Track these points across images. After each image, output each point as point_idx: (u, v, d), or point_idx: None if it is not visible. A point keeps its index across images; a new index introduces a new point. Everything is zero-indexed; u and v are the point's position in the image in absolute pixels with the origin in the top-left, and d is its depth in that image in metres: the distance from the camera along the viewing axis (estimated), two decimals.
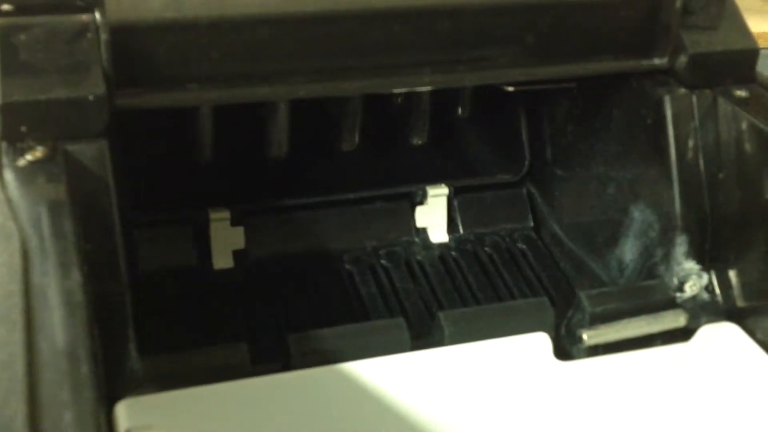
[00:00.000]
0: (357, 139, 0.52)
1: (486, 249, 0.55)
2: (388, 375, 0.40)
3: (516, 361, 0.42)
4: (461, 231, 0.55)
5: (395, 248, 0.54)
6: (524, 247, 0.55)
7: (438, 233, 0.55)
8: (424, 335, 0.43)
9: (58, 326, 0.26)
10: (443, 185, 0.55)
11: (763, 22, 1.36)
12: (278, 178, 0.53)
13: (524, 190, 0.57)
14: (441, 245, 0.54)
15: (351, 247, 0.53)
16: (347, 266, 0.52)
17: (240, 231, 0.51)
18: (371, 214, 0.54)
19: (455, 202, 0.55)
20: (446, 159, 0.57)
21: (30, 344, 0.25)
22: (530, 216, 0.57)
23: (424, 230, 0.55)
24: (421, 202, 0.55)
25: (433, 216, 0.55)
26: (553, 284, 0.53)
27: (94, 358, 0.26)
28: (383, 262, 0.53)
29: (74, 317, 0.27)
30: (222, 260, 0.51)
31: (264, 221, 0.52)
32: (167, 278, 0.49)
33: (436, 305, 0.50)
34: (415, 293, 0.51)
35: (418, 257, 0.54)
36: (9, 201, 0.31)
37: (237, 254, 0.51)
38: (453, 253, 0.54)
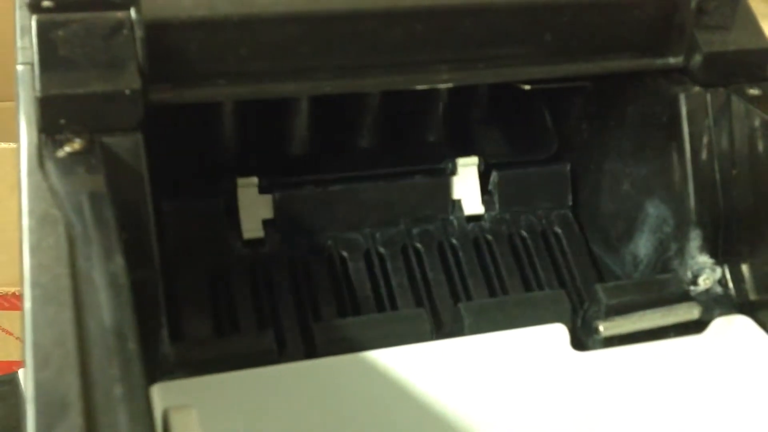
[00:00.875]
0: (374, 137, 0.53)
1: (522, 233, 0.53)
2: (410, 363, 0.41)
3: (534, 351, 0.43)
4: (497, 209, 0.54)
5: (429, 227, 0.52)
6: (560, 231, 0.54)
7: (472, 204, 0.53)
8: (445, 325, 0.44)
9: (105, 306, 0.27)
10: (473, 156, 0.53)
11: None
12: (309, 152, 0.52)
13: (567, 167, 0.55)
14: (475, 227, 0.53)
15: (384, 223, 0.52)
16: (379, 248, 0.51)
17: (268, 199, 0.50)
18: (406, 189, 0.52)
19: (494, 178, 0.54)
20: (478, 143, 0.56)
21: (79, 323, 0.26)
22: (569, 195, 0.55)
23: (458, 203, 0.53)
24: (453, 173, 0.53)
25: (465, 187, 0.53)
26: (582, 276, 0.52)
27: (139, 337, 0.27)
28: (417, 245, 0.51)
29: (119, 298, 0.28)
30: (251, 230, 0.50)
31: (294, 192, 0.50)
32: (196, 251, 0.48)
33: (464, 296, 0.50)
34: (444, 284, 0.50)
35: (453, 240, 0.52)
36: (52, 189, 0.32)
37: (266, 224, 0.50)
38: (487, 236, 0.53)
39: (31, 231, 0.30)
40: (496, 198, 0.53)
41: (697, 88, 0.46)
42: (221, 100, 0.42)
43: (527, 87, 0.51)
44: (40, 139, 0.36)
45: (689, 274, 0.46)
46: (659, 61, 0.46)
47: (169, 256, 0.46)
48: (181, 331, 0.44)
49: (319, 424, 0.40)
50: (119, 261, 0.29)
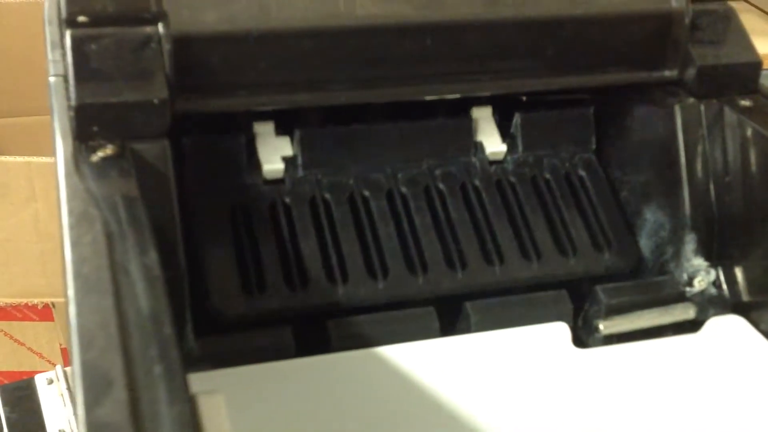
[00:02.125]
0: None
1: (545, 175, 0.52)
2: (419, 358, 0.43)
3: (537, 348, 0.45)
4: (520, 151, 0.52)
5: (451, 169, 0.51)
6: (584, 174, 0.52)
7: (494, 144, 0.52)
8: (468, 264, 0.46)
9: (142, 295, 0.30)
10: (487, 106, 0.52)
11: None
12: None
13: (590, 110, 0.53)
14: (498, 169, 0.51)
15: (406, 164, 0.50)
16: (401, 188, 0.49)
17: (287, 139, 0.49)
18: (427, 129, 0.51)
19: (517, 120, 0.52)
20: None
21: (119, 310, 0.29)
22: (593, 138, 0.53)
23: (480, 144, 0.52)
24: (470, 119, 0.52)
25: (484, 131, 0.52)
26: (608, 217, 0.51)
27: (174, 323, 0.29)
28: (439, 185, 0.50)
29: (155, 288, 0.30)
30: (271, 166, 0.48)
31: (314, 131, 0.49)
32: (216, 189, 0.47)
33: (489, 235, 0.49)
34: (469, 224, 0.49)
35: (475, 182, 0.51)
36: (88, 191, 0.35)
37: (287, 162, 0.48)
38: (511, 178, 0.51)
39: (71, 228, 0.33)
40: (519, 141, 0.52)
41: (691, 100, 0.48)
42: (241, 109, 0.44)
43: (524, 98, 0.53)
44: (74, 145, 0.38)
45: (685, 276, 0.48)
46: (655, 74, 0.48)
47: (189, 194, 0.46)
48: (206, 283, 0.44)
49: (332, 414, 0.42)
50: (153, 255, 0.32)
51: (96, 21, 0.40)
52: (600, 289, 0.47)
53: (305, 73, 0.44)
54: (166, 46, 0.40)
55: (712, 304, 0.48)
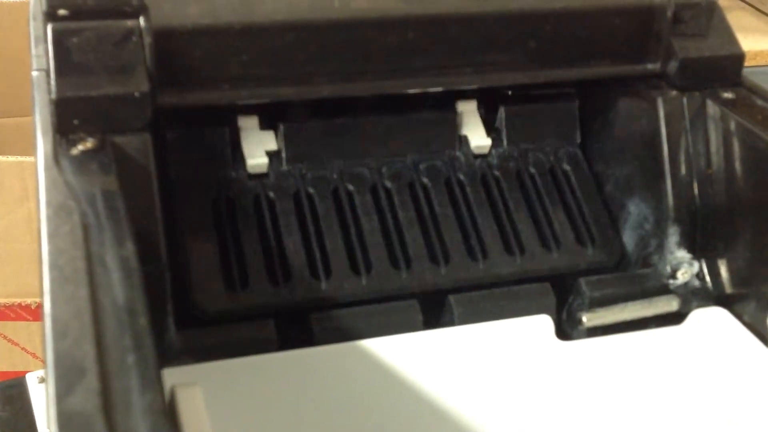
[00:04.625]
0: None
1: (530, 169, 0.52)
2: (402, 352, 0.43)
3: (521, 340, 0.45)
4: (505, 145, 0.52)
5: (436, 163, 0.51)
6: (568, 168, 0.53)
7: (478, 138, 0.52)
8: (453, 259, 0.46)
9: (117, 286, 0.30)
10: (472, 100, 0.52)
11: (762, 41, 1.40)
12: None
13: (575, 103, 0.53)
14: (483, 163, 0.51)
15: (390, 157, 0.50)
16: (385, 182, 0.50)
17: (271, 133, 0.49)
18: (412, 122, 0.51)
19: (501, 114, 0.52)
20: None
21: (94, 300, 0.29)
22: (578, 132, 0.53)
23: (465, 138, 0.52)
24: (455, 112, 0.52)
25: (469, 125, 0.52)
26: (592, 215, 0.51)
27: (149, 314, 0.29)
28: (424, 180, 0.50)
29: (131, 279, 0.30)
30: (255, 159, 0.48)
31: (299, 125, 0.49)
32: (200, 181, 0.47)
33: (473, 230, 0.49)
34: (453, 219, 0.49)
35: (459, 176, 0.51)
36: (67, 183, 0.35)
37: (271, 156, 0.48)
38: (495, 172, 0.51)
39: (49, 219, 0.33)
40: (503, 135, 0.52)
41: (674, 93, 0.48)
42: (224, 103, 0.44)
43: (510, 92, 0.54)
44: (55, 139, 0.38)
45: (668, 269, 0.48)
46: (638, 68, 0.48)
47: (172, 188, 0.46)
48: (188, 277, 0.44)
49: (314, 408, 0.42)
50: (130, 247, 0.32)
51: (77, 14, 0.39)
52: (584, 281, 0.47)
53: (288, 66, 0.44)
54: (147, 40, 0.40)
55: (695, 296, 0.48)
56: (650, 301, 0.47)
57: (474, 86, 0.48)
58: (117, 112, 0.39)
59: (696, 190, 0.48)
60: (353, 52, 0.44)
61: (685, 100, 0.48)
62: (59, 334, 0.27)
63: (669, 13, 0.47)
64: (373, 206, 0.48)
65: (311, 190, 0.48)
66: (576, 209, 0.51)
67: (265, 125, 0.49)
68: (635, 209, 0.50)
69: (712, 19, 0.49)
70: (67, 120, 0.39)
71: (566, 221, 0.51)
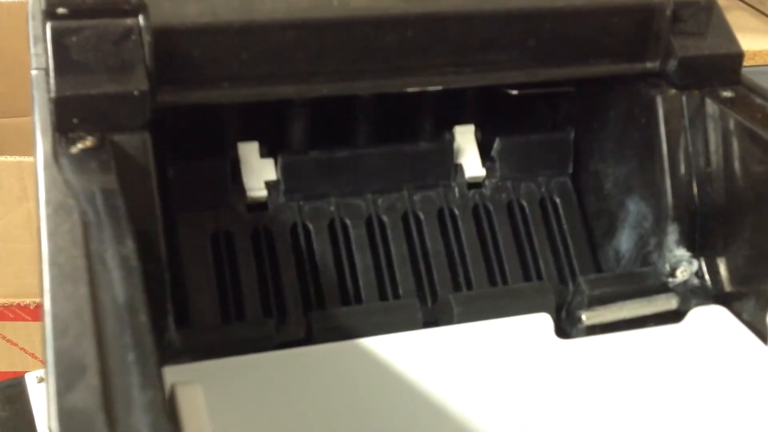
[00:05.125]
0: (369, 137, 0.52)
1: (521, 201, 0.53)
2: (402, 350, 0.43)
3: (520, 339, 0.45)
4: (498, 175, 0.54)
5: (430, 194, 0.52)
6: (558, 200, 0.54)
7: (473, 167, 0.53)
8: (440, 299, 0.47)
9: (117, 284, 0.30)
10: (469, 124, 0.54)
11: (761, 40, 1.40)
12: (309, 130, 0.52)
13: (570, 135, 0.55)
14: (476, 194, 0.53)
15: (386, 189, 0.52)
16: (381, 215, 0.51)
17: (270, 162, 0.50)
18: (408, 155, 0.52)
19: (497, 145, 0.54)
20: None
21: (94, 298, 0.29)
22: (570, 163, 0.55)
23: (460, 167, 0.53)
24: (451, 140, 0.53)
25: (465, 151, 0.54)
26: (577, 252, 0.53)
27: (149, 312, 0.29)
28: (417, 212, 0.52)
29: (131, 277, 0.30)
30: (255, 190, 0.50)
31: (297, 157, 0.50)
32: (200, 214, 0.49)
33: (461, 266, 0.51)
34: (443, 255, 0.51)
35: (453, 208, 0.52)
36: (66, 182, 0.35)
37: (270, 186, 0.50)
38: (487, 204, 0.53)
39: (48, 218, 0.33)
40: (497, 165, 0.54)
41: (673, 91, 0.48)
42: (224, 102, 0.44)
43: (514, 92, 0.54)
44: (54, 137, 0.38)
45: (667, 267, 0.48)
46: (637, 66, 0.48)
47: (172, 219, 0.47)
48: (186, 307, 0.45)
49: (313, 406, 0.42)
50: (130, 245, 0.32)
51: (76, 13, 0.39)
52: (583, 280, 0.47)
53: (287, 65, 0.44)
54: (147, 38, 0.40)
55: (694, 295, 0.48)
56: (649, 299, 0.47)
57: (473, 85, 0.49)
58: (116, 110, 0.39)
59: (695, 189, 0.48)
60: (353, 50, 0.44)
61: (684, 98, 0.48)
62: (59, 331, 0.27)
63: (668, 12, 0.47)
64: (367, 241, 0.50)
65: (308, 224, 0.50)
66: (561, 245, 0.53)
67: (265, 152, 0.50)
68: (634, 208, 0.50)
69: (711, 18, 0.49)
70: (67, 118, 0.39)
71: (551, 257, 0.53)
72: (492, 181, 0.54)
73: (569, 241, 0.53)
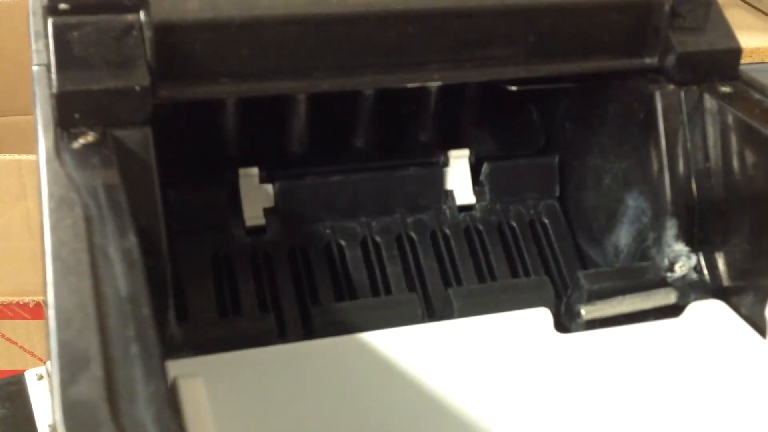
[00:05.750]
0: (369, 137, 0.54)
1: (511, 223, 0.55)
2: (402, 345, 0.43)
3: (520, 333, 0.45)
4: (488, 198, 0.56)
5: (423, 217, 0.54)
6: (547, 221, 0.56)
7: (464, 194, 0.55)
8: (436, 310, 0.47)
9: (120, 278, 0.30)
10: (464, 149, 0.56)
11: (758, 38, 1.40)
12: (307, 150, 0.54)
13: (555, 159, 0.57)
14: (467, 216, 0.55)
15: (380, 212, 0.54)
16: (375, 236, 0.53)
17: (269, 188, 0.52)
18: (401, 180, 0.54)
19: (486, 170, 0.56)
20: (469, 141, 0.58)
21: (97, 291, 0.29)
22: (557, 186, 0.57)
23: (451, 193, 0.55)
24: (445, 165, 0.55)
25: (457, 177, 0.56)
26: (567, 265, 0.55)
27: (152, 305, 0.29)
28: (411, 233, 0.53)
29: (133, 270, 0.30)
30: (253, 218, 0.51)
31: (293, 181, 0.52)
32: (201, 237, 0.50)
33: (455, 283, 0.52)
34: (436, 272, 0.52)
35: (445, 229, 0.54)
36: (69, 176, 0.35)
37: (268, 213, 0.52)
38: (478, 225, 0.55)
39: (51, 212, 0.33)
40: (486, 189, 0.55)
41: (671, 87, 0.49)
42: (225, 97, 0.44)
43: (514, 88, 0.54)
44: (56, 132, 0.38)
45: (666, 262, 0.48)
46: (636, 62, 0.49)
47: (174, 243, 0.48)
48: (187, 317, 0.46)
49: (315, 400, 0.42)
50: (132, 239, 0.32)
51: (77, 9, 0.40)
52: (582, 274, 0.47)
53: (288, 60, 0.44)
54: (148, 34, 0.40)
55: (692, 289, 0.48)
56: (648, 293, 0.47)
57: (473, 80, 0.49)
58: (118, 105, 0.39)
59: (694, 184, 0.48)
60: (353, 46, 0.44)
61: (682, 94, 0.48)
62: (63, 324, 0.27)
63: (667, 8, 0.47)
64: (362, 260, 0.52)
65: (305, 246, 0.51)
66: (553, 263, 0.55)
67: (264, 177, 0.52)
68: (633, 203, 0.50)
69: (710, 14, 0.49)
70: (68, 114, 0.39)
71: (543, 273, 0.54)
72: (482, 204, 0.55)
73: (560, 258, 0.55)
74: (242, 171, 0.51)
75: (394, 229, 0.53)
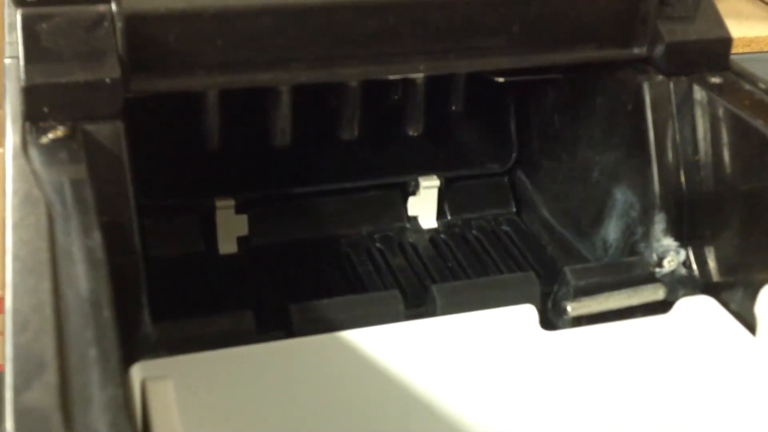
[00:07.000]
0: (356, 129, 0.53)
1: (473, 232, 0.57)
2: (384, 343, 0.42)
3: (505, 330, 0.44)
4: (449, 217, 0.58)
5: (388, 233, 0.57)
6: (509, 229, 0.58)
7: (428, 220, 0.58)
8: (418, 306, 0.46)
9: (82, 278, 0.29)
10: (435, 177, 0.58)
11: (757, 27, 1.39)
12: (280, 168, 0.56)
13: (507, 179, 0.60)
14: (431, 230, 0.58)
15: (347, 232, 0.56)
16: (345, 249, 0.55)
17: (244, 219, 0.54)
18: (367, 202, 0.57)
19: (444, 191, 0.58)
20: (438, 150, 0.60)
21: (57, 292, 0.28)
22: (513, 202, 0.60)
23: (415, 218, 0.58)
24: (414, 193, 0.58)
25: (423, 205, 0.58)
26: (538, 260, 0.55)
27: (114, 306, 0.28)
28: (378, 245, 0.56)
29: (96, 271, 0.29)
30: (227, 246, 0.54)
31: (266, 210, 0.55)
32: (175, 263, 0.52)
33: (429, 280, 0.52)
34: (408, 269, 0.54)
35: (410, 240, 0.57)
36: (35, 173, 0.34)
37: (241, 241, 0.54)
38: (442, 236, 0.57)
39: (14, 209, 0.32)
40: (446, 207, 0.58)
41: (660, 77, 0.47)
42: (199, 89, 0.43)
43: (501, 79, 0.53)
44: (24, 127, 0.37)
45: (655, 257, 0.47)
46: (624, 52, 0.48)
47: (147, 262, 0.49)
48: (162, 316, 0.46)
49: (295, 400, 0.41)
50: (97, 237, 0.31)
51: None
52: (568, 270, 0.46)
53: (265, 51, 0.43)
54: (119, 25, 0.39)
55: (681, 285, 0.47)
56: (636, 289, 0.46)
57: (457, 71, 0.48)
58: (88, 99, 0.38)
59: (683, 177, 0.47)
60: (332, 37, 0.43)
61: (671, 85, 0.47)
62: (19, 327, 0.26)
63: None
64: (334, 264, 0.54)
65: (279, 258, 0.54)
66: (521, 256, 0.56)
67: (239, 206, 0.54)
68: (622, 196, 0.49)
69: (699, 2, 0.48)
70: (37, 107, 0.38)
71: (513, 265, 0.55)
72: (443, 221, 0.58)
73: (526, 253, 0.56)
74: (219, 203, 0.53)
75: (361, 244, 0.56)
